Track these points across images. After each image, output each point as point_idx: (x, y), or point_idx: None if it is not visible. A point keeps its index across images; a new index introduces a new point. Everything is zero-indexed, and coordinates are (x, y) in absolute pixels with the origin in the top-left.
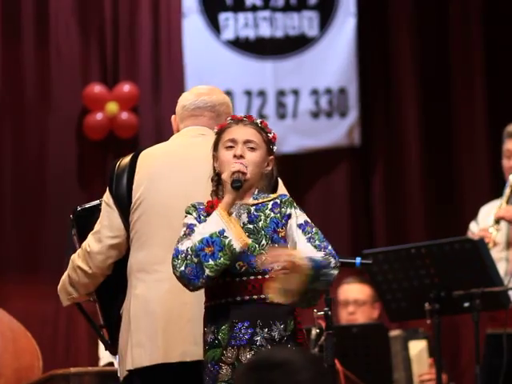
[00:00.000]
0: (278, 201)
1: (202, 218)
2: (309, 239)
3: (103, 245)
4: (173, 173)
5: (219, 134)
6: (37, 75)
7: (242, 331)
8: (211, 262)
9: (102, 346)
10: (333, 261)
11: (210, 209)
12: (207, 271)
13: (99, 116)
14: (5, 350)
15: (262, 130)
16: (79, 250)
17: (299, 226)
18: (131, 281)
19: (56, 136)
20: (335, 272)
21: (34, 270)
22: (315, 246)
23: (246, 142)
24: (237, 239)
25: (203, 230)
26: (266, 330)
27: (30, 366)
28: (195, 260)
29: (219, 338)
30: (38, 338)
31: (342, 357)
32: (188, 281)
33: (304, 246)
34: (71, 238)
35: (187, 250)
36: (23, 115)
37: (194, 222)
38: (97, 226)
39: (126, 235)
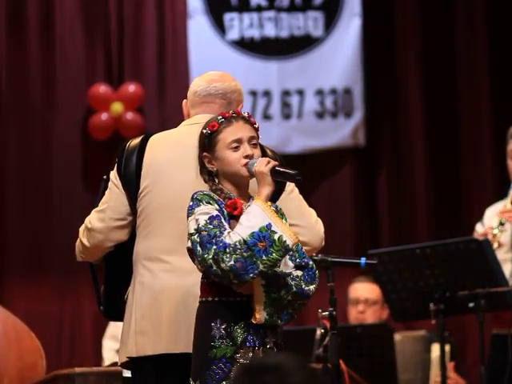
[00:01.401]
0: (274, 209)
1: (225, 213)
2: (290, 257)
3: (105, 225)
4: (182, 162)
5: (214, 136)
6: (42, 75)
7: (257, 332)
8: (264, 257)
9: (105, 347)
10: (303, 285)
11: (232, 210)
12: (261, 267)
13: (104, 116)
14: (9, 349)
15: (251, 122)
16: (84, 224)
17: None
18: (137, 268)
19: (61, 136)
20: (310, 294)
21: (39, 271)
22: (295, 265)
23: (250, 139)
24: (288, 235)
25: (249, 223)
26: (273, 333)
27: (33, 365)
28: (245, 254)
29: (233, 335)
30: (43, 338)
31: (346, 357)
32: (237, 275)
33: (284, 263)
34: (100, 197)
35: (236, 244)
36: (28, 115)
37: (218, 213)
38: (102, 205)
39: (131, 219)
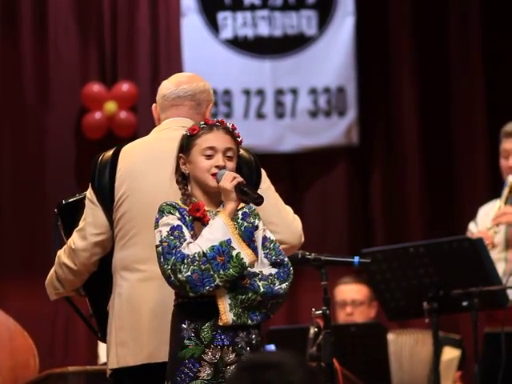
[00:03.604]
0: (247, 210)
1: (188, 219)
2: (266, 255)
3: (88, 242)
4: (154, 169)
5: (192, 139)
6: (35, 74)
7: (225, 332)
8: (222, 272)
9: (101, 345)
10: (276, 283)
11: (195, 212)
12: (218, 280)
13: (98, 115)
14: (1, 348)
15: (234, 135)
16: (65, 247)
17: (262, 239)
18: (116, 279)
19: (55, 135)
20: (281, 292)
21: (33, 270)
22: (271, 262)
23: (225, 150)
24: (246, 253)
25: (211, 236)
26: (245, 333)
27: (26, 364)
28: (203, 267)
29: (201, 336)
30: (37, 337)
31: (340, 356)
32: (193, 287)
33: (261, 261)
34: (57, 232)
35: (194, 256)
36: (22, 115)
37: (179, 222)
38: (81, 223)
39: (110, 232)
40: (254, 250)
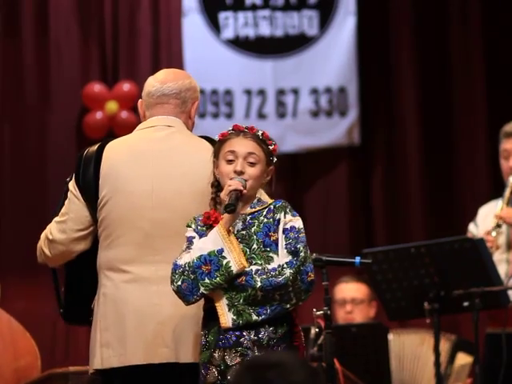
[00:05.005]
0: (272, 206)
1: (200, 228)
2: (286, 245)
3: (67, 237)
4: (135, 170)
5: (220, 144)
6: (37, 74)
7: (229, 333)
8: (207, 280)
9: None
10: (286, 273)
11: (206, 220)
12: (202, 289)
13: (99, 115)
14: (4, 350)
15: (263, 142)
16: (44, 236)
17: (283, 230)
18: (100, 278)
19: (56, 135)
20: (283, 282)
21: (34, 270)
22: (288, 252)
23: (247, 156)
24: (235, 262)
25: (203, 246)
26: (254, 332)
27: (29, 365)
28: (191, 276)
29: (208, 340)
30: (38, 337)
31: (341, 356)
32: (183, 296)
33: (281, 251)
34: (62, 203)
35: (185, 266)
36: (23, 114)
37: (194, 234)
38: (62, 216)
39: (93, 227)
40: (270, 245)
